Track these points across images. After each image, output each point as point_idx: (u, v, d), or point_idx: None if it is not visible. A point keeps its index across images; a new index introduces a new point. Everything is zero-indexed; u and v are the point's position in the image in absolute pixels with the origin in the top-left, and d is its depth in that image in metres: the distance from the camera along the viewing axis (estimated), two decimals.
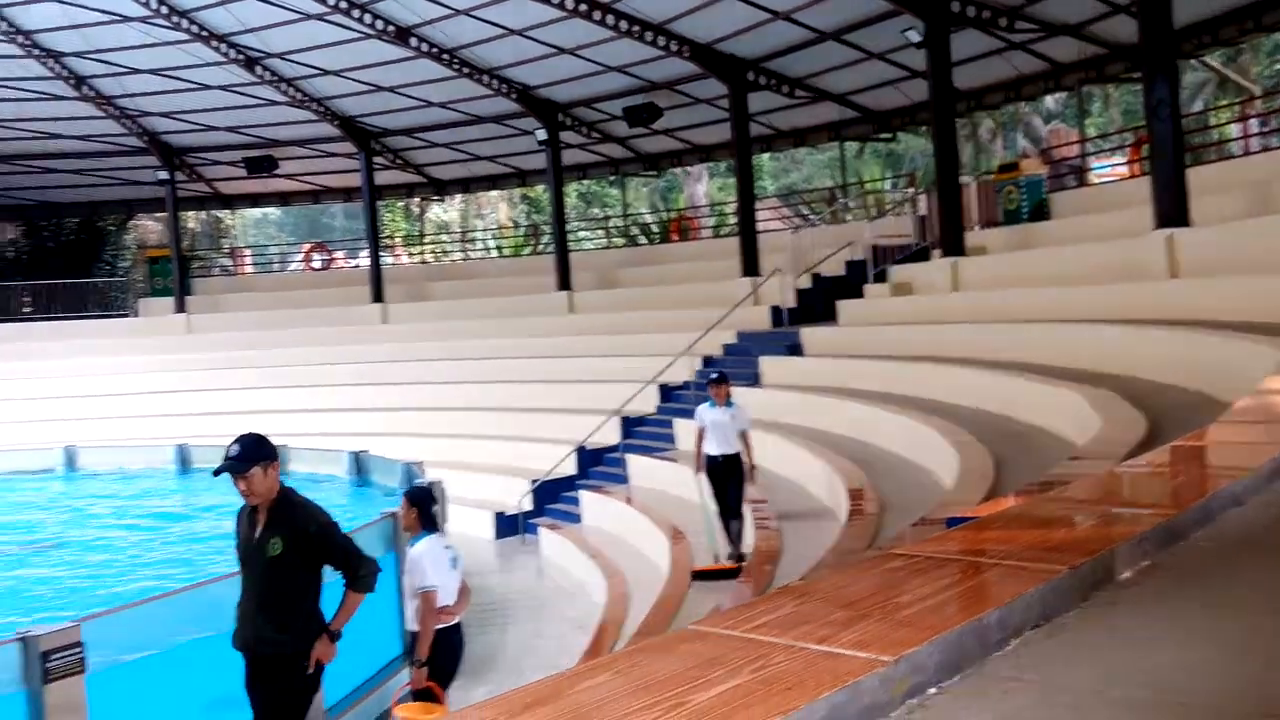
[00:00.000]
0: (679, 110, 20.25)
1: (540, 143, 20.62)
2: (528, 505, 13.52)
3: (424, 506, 6.02)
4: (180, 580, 9.11)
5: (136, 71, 21.00)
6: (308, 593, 4.86)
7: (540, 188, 29.54)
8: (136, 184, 25.73)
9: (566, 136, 21.32)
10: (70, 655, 5.24)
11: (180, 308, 24.12)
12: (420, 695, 5.64)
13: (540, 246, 28.47)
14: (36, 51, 20.26)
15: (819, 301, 16.09)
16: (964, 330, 12.28)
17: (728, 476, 9.40)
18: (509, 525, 13.38)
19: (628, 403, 14.76)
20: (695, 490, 9.68)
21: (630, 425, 14.81)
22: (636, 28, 17.08)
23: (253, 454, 4.81)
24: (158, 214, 29.30)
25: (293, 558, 4.76)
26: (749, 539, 9.11)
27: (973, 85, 17.88)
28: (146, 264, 27.47)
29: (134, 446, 17.59)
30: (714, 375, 9.87)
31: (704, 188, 34.22)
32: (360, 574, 4.88)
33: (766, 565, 7.99)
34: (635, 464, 13.63)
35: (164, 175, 24.13)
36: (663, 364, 15.20)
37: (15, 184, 25.63)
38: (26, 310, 25.69)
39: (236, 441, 4.89)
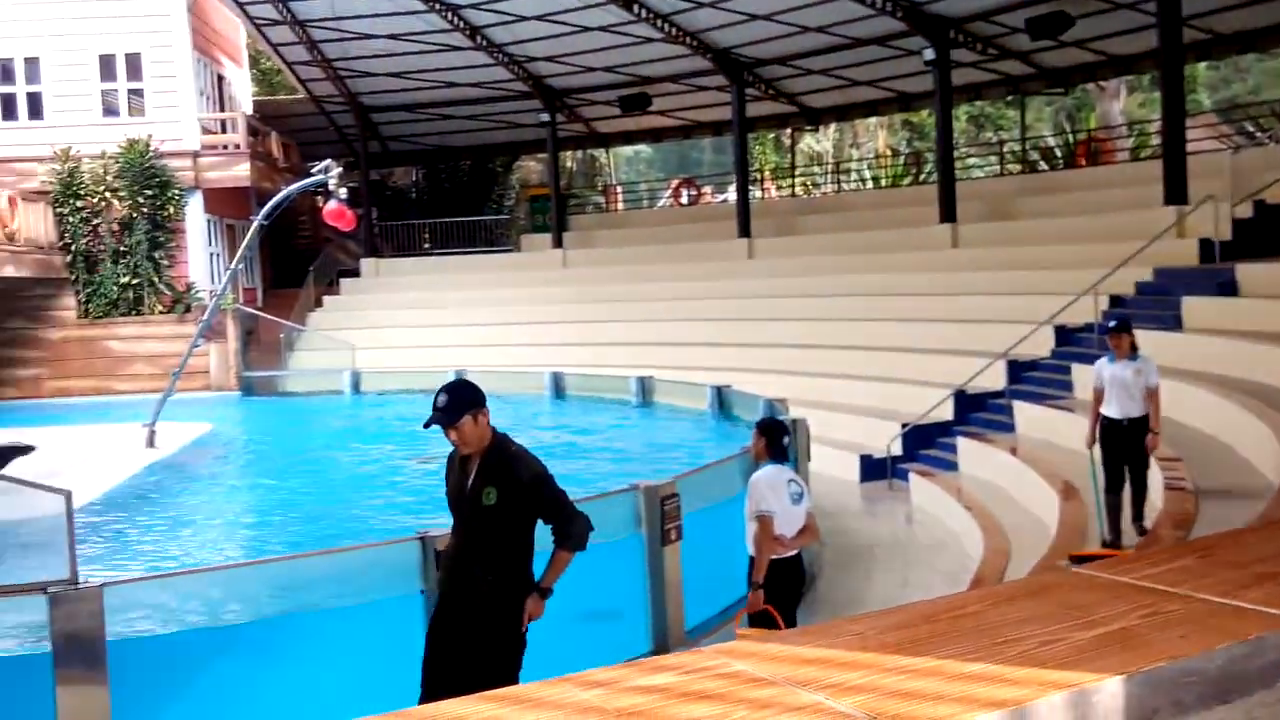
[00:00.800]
0: (1092, 19, 18.62)
1: (927, 63, 19.75)
2: (897, 449, 13.23)
3: (772, 436, 6.27)
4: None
5: (524, 19, 22.56)
6: (521, 545, 4.78)
7: (925, 112, 28.49)
8: (521, 126, 27.81)
9: (957, 55, 20.31)
10: None
11: (557, 243, 25.87)
12: (758, 618, 5.86)
13: (923, 176, 27.55)
14: (438, 6, 22.35)
15: (1263, 234, 14.22)
16: None
17: (1128, 443, 8.25)
18: (876, 469, 13.17)
19: (1017, 345, 13.94)
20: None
21: (1019, 369, 14.00)
22: None
23: (461, 404, 4.71)
24: (539, 154, 31.50)
25: (507, 508, 4.68)
26: (1155, 503, 8.30)
27: None
28: (528, 202, 29.76)
29: (514, 372, 19.19)
30: (1113, 323, 8.68)
31: (1120, 104, 31.39)
32: (571, 531, 4.77)
33: (1177, 531, 7.25)
34: (1023, 411, 12.89)
35: (545, 117, 25.85)
36: (1060, 303, 14.18)
37: (418, 131, 28.60)
38: (426, 246, 28.79)
39: (444, 390, 4.83)
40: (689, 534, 7.23)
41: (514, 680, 4.62)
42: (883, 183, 30.19)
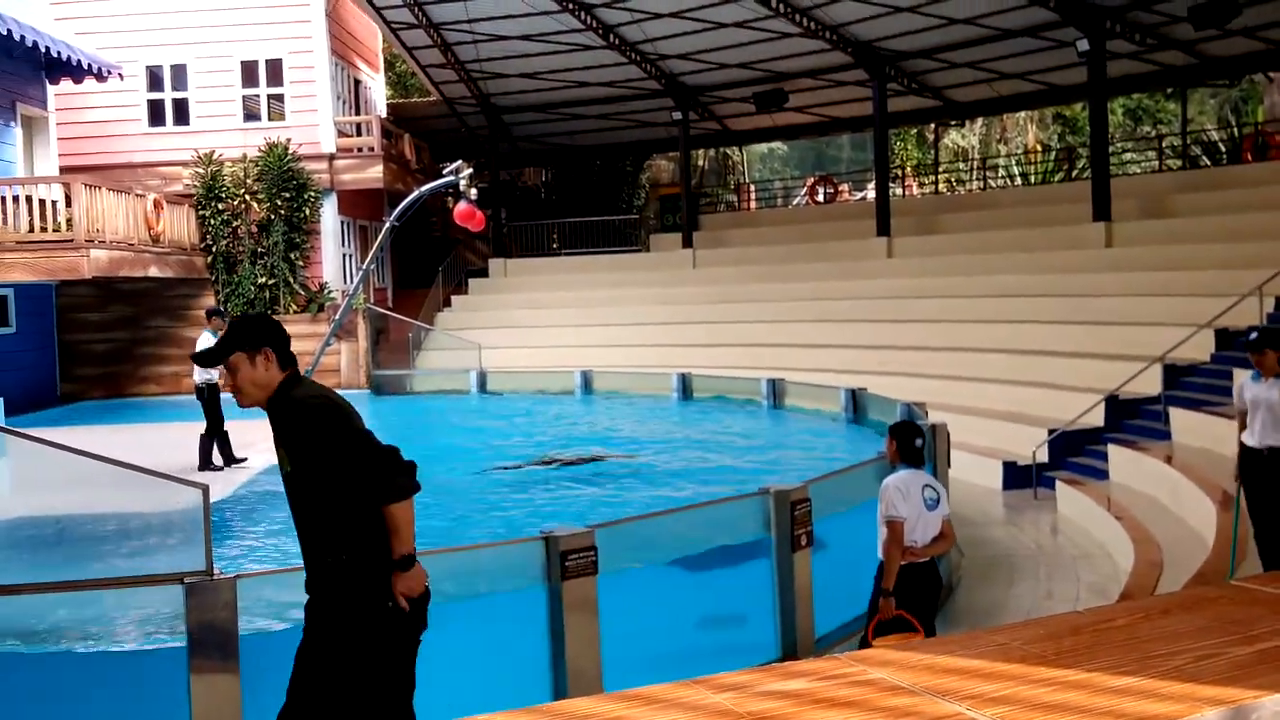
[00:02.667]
0: (1260, 5, 17.72)
1: (1081, 54, 19.14)
2: (1043, 457, 12.81)
3: (903, 439, 6.19)
4: (682, 500, 9.95)
5: (658, 16, 22.70)
6: (361, 513, 3.82)
7: (1078, 106, 27.61)
8: (652, 125, 27.96)
9: (1114, 45, 19.59)
10: (584, 557, 5.86)
11: (687, 243, 25.90)
12: (889, 625, 5.78)
13: (1075, 172, 26.66)
14: (572, 5, 22.68)
15: None
16: None
17: (1270, 478, 7.25)
18: (1020, 477, 12.78)
19: (1175, 348, 13.35)
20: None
21: (1176, 374, 13.41)
22: None
23: (232, 339, 3.99)
24: (670, 153, 31.65)
25: (307, 474, 3.83)
26: None
27: None
28: (659, 201, 29.90)
29: (642, 373, 19.30)
30: (1254, 335, 7.58)
31: None
32: (386, 480, 3.79)
33: None
34: (1180, 418, 12.33)
35: (678, 115, 25.93)
36: (1222, 305, 13.53)
37: (549, 131, 29.03)
38: (554, 246, 29.22)
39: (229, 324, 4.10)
40: (821, 540, 7.13)
41: (402, 685, 3.95)
42: (1032, 179, 29.38)
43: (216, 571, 5.12)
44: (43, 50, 18.25)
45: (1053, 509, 11.78)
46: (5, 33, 16.76)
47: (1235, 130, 27.79)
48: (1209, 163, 24.66)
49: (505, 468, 12.74)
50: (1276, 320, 13.31)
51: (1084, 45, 18.91)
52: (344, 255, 23.74)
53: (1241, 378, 7.60)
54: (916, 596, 5.97)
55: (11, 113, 19.75)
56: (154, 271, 19.80)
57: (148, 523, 8.48)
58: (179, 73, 23.16)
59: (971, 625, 7.53)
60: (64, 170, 20.67)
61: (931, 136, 33.11)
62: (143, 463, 5.43)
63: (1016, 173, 31.02)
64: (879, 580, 5.97)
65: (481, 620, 5.89)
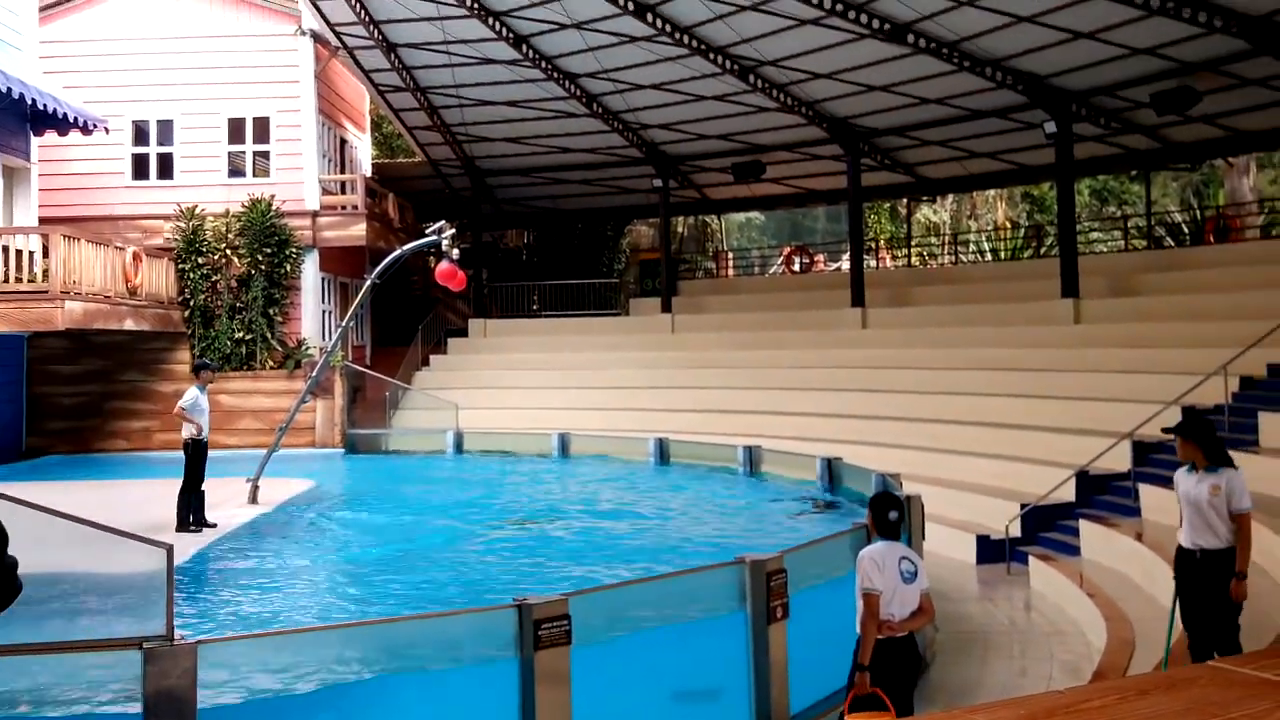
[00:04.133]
0: (1219, 94, 18.08)
1: (1049, 136, 19.43)
2: (1016, 531, 12.69)
3: (878, 511, 6.11)
4: (652, 570, 9.73)
5: (639, 87, 22.95)
6: None
7: (1046, 185, 27.98)
8: (634, 191, 28.13)
9: (1080, 128, 19.91)
10: (558, 626, 5.65)
11: (666, 307, 25.90)
12: (864, 701, 5.65)
13: (1044, 249, 26.91)
14: (556, 74, 22.89)
15: None
16: None
17: (1203, 583, 6.52)
18: (993, 550, 12.65)
19: (1143, 425, 13.33)
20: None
21: (1144, 450, 13.36)
22: (1171, 3, 15.45)
23: None
24: (651, 219, 31.80)
25: None
26: None
27: None
28: (638, 266, 29.94)
29: (619, 437, 19.13)
30: (1180, 422, 6.88)
31: (1250, 180, 30.34)
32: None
33: None
34: (1149, 495, 12.25)
35: (659, 183, 26.09)
36: (1188, 383, 13.56)
37: (531, 194, 29.15)
38: (534, 308, 29.16)
39: None
40: (796, 612, 6.95)
41: None
42: (1002, 255, 29.66)
43: (178, 636, 4.89)
44: (29, 102, 18.14)
45: (1026, 584, 11.65)
46: None
47: (1198, 212, 28.22)
48: (1173, 243, 24.97)
49: (477, 531, 12.47)
50: (1244, 398, 13.34)
51: (1051, 127, 19.21)
52: (324, 312, 23.57)
53: (1179, 470, 6.90)
54: (893, 672, 5.82)
55: None
56: (130, 324, 19.53)
57: (109, 584, 8.19)
58: (165, 128, 23.11)
59: (946, 703, 7.35)
60: (44, 221, 20.45)
61: (904, 210, 33.44)
62: (106, 521, 5.20)
63: (987, 248, 31.31)
64: (857, 654, 5.80)
65: (450, 690, 5.66)
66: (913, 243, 31.64)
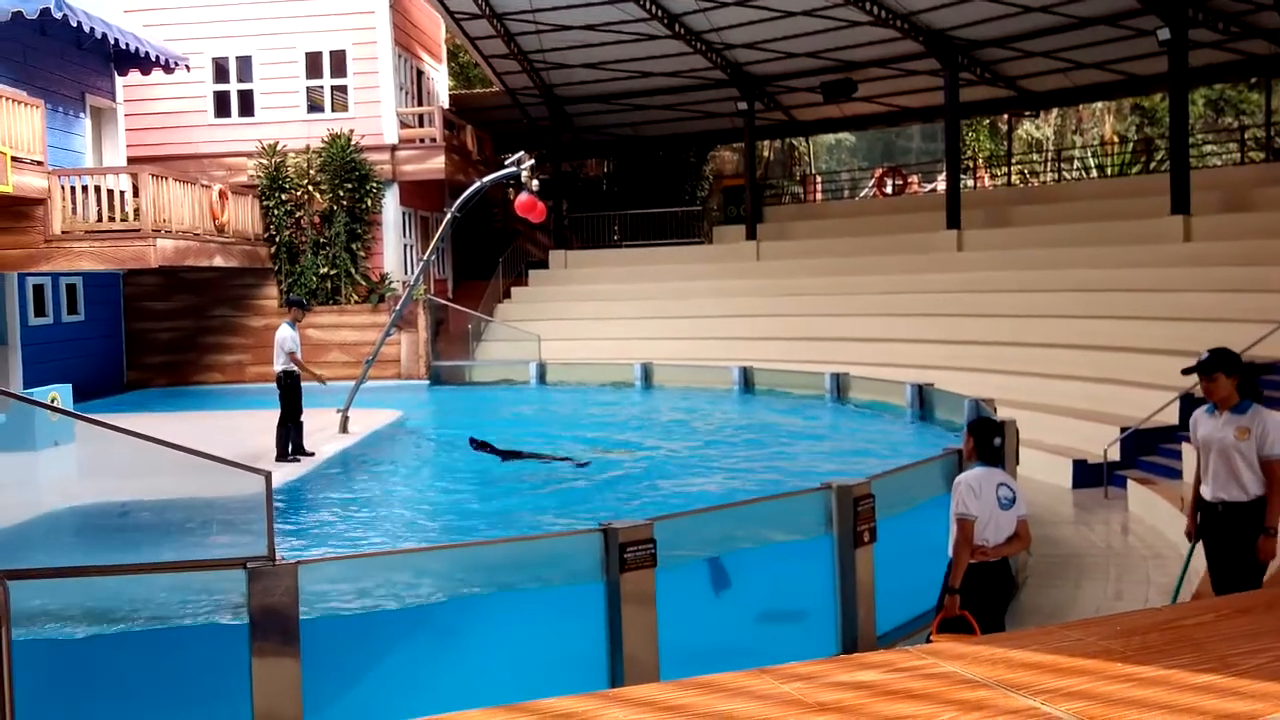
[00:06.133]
0: None
1: (1162, 43, 18.75)
2: (1114, 455, 12.58)
3: (981, 436, 6.10)
4: (738, 494, 9.94)
5: (724, 4, 22.64)
6: None
7: (1157, 96, 27.05)
8: (717, 115, 27.89)
9: (1196, 34, 19.16)
10: (643, 550, 5.87)
11: (751, 235, 25.78)
12: (952, 624, 5.74)
13: (1154, 164, 26.12)
14: None
15: None
16: None
17: (1226, 540, 6.00)
18: (1090, 475, 12.56)
19: (1255, 345, 13.03)
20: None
21: (1256, 372, 13.03)
22: None
23: None
24: (735, 144, 31.52)
25: None
26: None
27: None
28: (722, 193, 29.78)
29: (703, 366, 19.26)
30: (1205, 356, 6.06)
31: None
32: None
33: None
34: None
35: (743, 106, 25.82)
36: None
37: (611, 121, 29.09)
38: (615, 238, 29.26)
39: None
40: (884, 537, 7.07)
41: None
42: (1109, 172, 28.85)
43: (278, 557, 5.21)
44: (111, 42, 18.65)
45: (1123, 508, 11.58)
46: (75, 25, 17.14)
47: None
48: None
49: (558, 459, 12.77)
50: None
51: (1165, 34, 18.53)
52: (405, 246, 23.98)
53: (1198, 411, 6.32)
54: (984, 597, 5.90)
55: (81, 104, 20.23)
56: (218, 261, 20.17)
57: (211, 508, 8.65)
58: (244, 64, 23.53)
59: (1039, 625, 7.40)
60: (131, 160, 21.14)
61: (1005, 127, 32.64)
62: (207, 450, 5.53)
63: (1093, 164, 30.49)
64: (948, 578, 5.91)
65: (538, 611, 5.93)
66: (1013, 160, 30.93)
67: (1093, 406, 14.37)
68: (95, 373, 20.87)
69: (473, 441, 12.98)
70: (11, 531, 9.34)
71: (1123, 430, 12.76)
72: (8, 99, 15.74)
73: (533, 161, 15.82)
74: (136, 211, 17.44)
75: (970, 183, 29.99)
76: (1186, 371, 6.27)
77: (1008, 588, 6.32)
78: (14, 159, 15.53)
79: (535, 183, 15.78)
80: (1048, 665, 1.97)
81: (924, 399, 14.03)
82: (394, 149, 23.27)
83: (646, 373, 19.69)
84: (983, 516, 5.83)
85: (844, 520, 6.97)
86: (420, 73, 25.96)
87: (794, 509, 7.22)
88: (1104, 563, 9.50)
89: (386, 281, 22.80)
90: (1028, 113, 29.75)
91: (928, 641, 5.87)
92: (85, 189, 17.56)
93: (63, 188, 17.17)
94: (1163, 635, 1.96)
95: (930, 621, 6.09)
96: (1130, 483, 11.87)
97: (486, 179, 16.66)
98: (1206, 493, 6.07)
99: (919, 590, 7.09)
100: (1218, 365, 5.96)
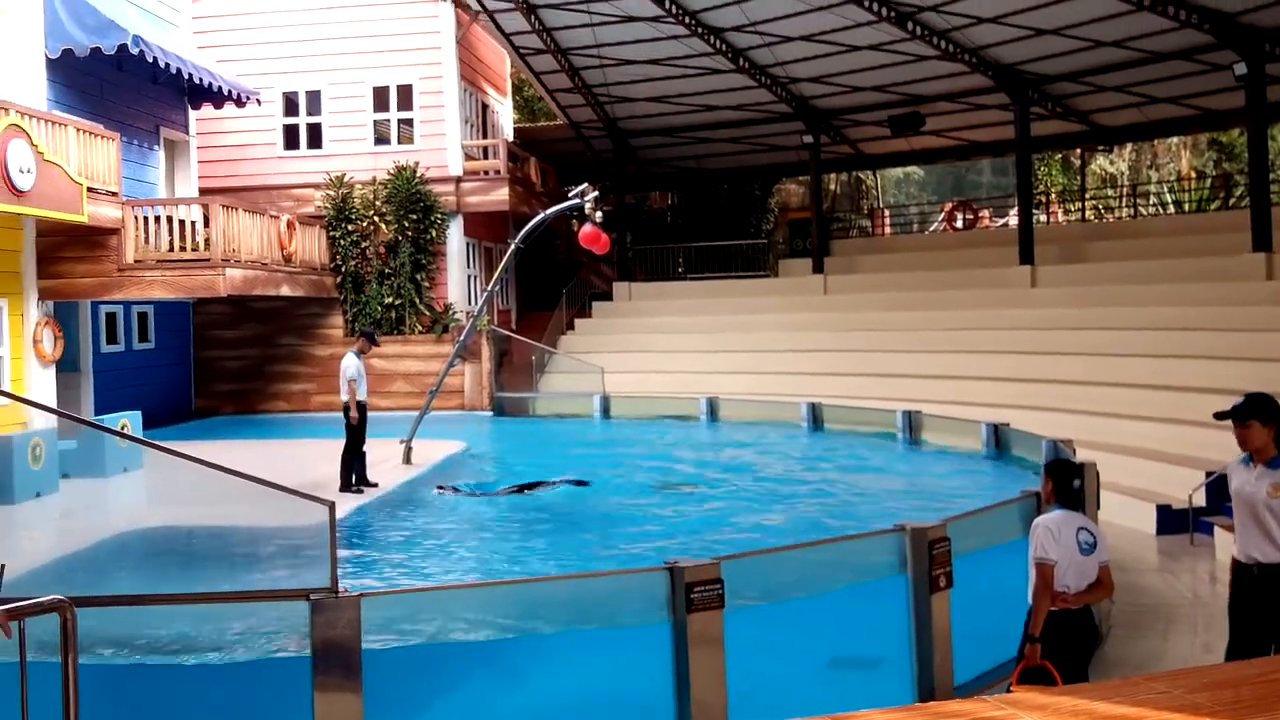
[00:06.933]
0: None
1: (1238, 78, 18.44)
2: (1200, 500, 12.20)
3: (1059, 478, 5.94)
4: (804, 536, 9.76)
5: (788, 40, 22.67)
6: None
7: (1235, 131, 26.55)
8: (782, 148, 27.86)
9: (1273, 68, 18.80)
10: (710, 590, 5.74)
11: (818, 268, 25.65)
12: (1033, 674, 5.57)
13: (1233, 200, 25.58)
14: (700, 29, 22.82)
15: None
16: None
17: (1257, 605, 5.64)
18: (1175, 521, 12.18)
19: None
20: None
21: None
22: None
23: None
24: (801, 177, 31.46)
25: None
26: None
27: None
28: (787, 226, 29.69)
29: (768, 401, 19.10)
30: (1239, 402, 5.69)
31: None
32: None
33: None
34: None
35: (809, 139, 25.77)
36: None
37: (675, 154, 29.21)
38: (680, 270, 29.28)
39: None
40: (961, 581, 6.87)
41: None
42: (1186, 207, 28.31)
43: (341, 589, 5.17)
44: (186, 77, 19.11)
45: (1210, 556, 11.20)
46: (151, 60, 17.60)
47: None
48: None
49: (629, 493, 12.69)
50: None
51: (1241, 69, 18.24)
52: (469, 276, 24.19)
53: (1233, 460, 5.86)
54: (1066, 646, 5.71)
55: (155, 136, 20.73)
56: (285, 290, 20.47)
57: (275, 538, 8.70)
58: (313, 98, 24.00)
59: (1124, 677, 7.16)
60: (203, 191, 21.61)
61: (1077, 161, 32.20)
62: (271, 478, 5.53)
63: (1169, 200, 29.95)
64: (1028, 625, 5.73)
65: (603, 650, 5.82)
66: (1087, 195, 30.49)
67: (1175, 449, 13.98)
68: (164, 400, 21.25)
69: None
70: (81, 556, 9.47)
71: (1207, 474, 12.39)
72: (85, 132, 16.17)
73: (596, 193, 15.88)
74: (207, 241, 17.78)
75: (1043, 218, 29.63)
76: (1219, 416, 5.89)
77: (1091, 637, 6.11)
78: (90, 190, 15.92)
79: (599, 214, 15.84)
80: (1131, 718, 1.86)
81: (1000, 439, 13.76)
82: (459, 181, 23.54)
83: (712, 407, 19.59)
84: (1063, 561, 5.67)
85: (919, 563, 6.79)
86: (485, 106, 26.29)
87: (867, 551, 7.06)
88: (1191, 613, 9.18)
89: (450, 312, 23.00)
90: (1101, 147, 29.32)
91: (1008, 691, 5.69)
92: (158, 219, 17.95)
93: (136, 218, 17.57)
94: (1254, 690, 1.86)
95: (1010, 671, 5.91)
96: (1217, 529, 11.48)
97: (550, 210, 16.76)
98: (1238, 551, 5.70)
99: (998, 638, 6.87)
100: (1253, 412, 5.60)
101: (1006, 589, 6.35)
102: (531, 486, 12.96)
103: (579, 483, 13.37)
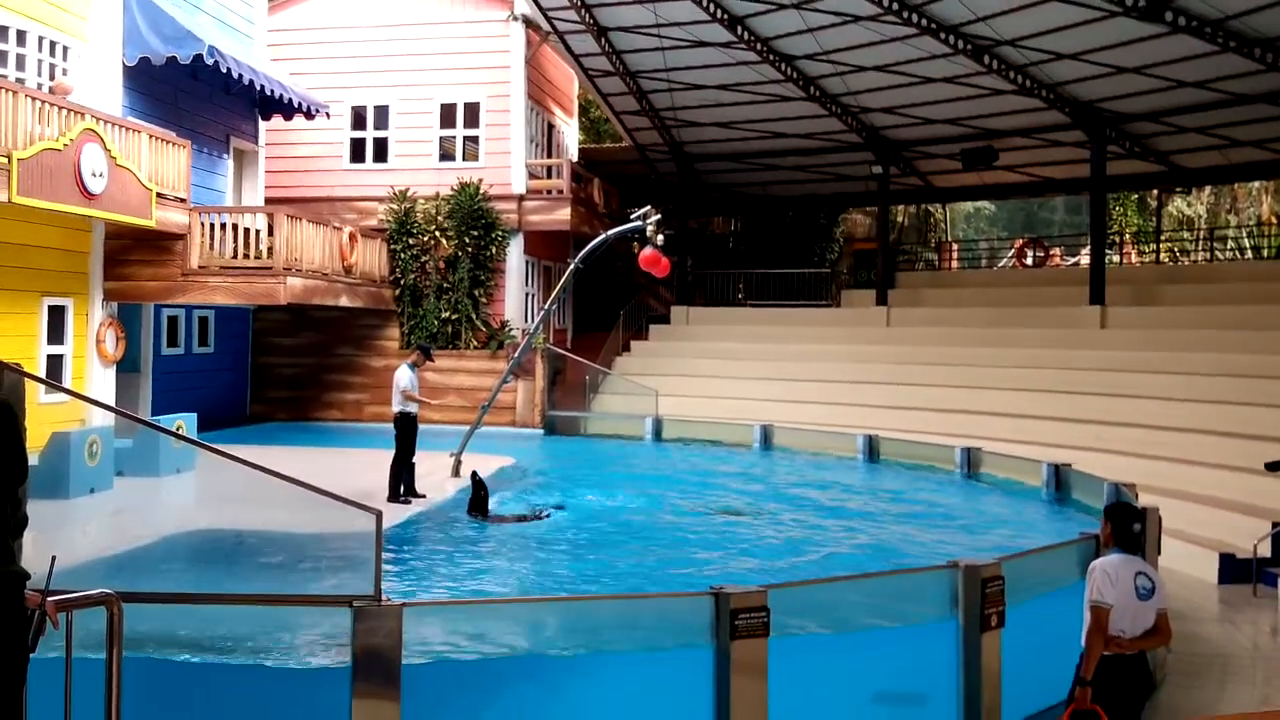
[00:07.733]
0: None
1: None
2: (1265, 550, 11.89)
3: (1119, 521, 5.91)
4: (857, 567, 9.67)
5: (861, 70, 22.65)
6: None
7: None
8: (850, 178, 27.75)
9: None
10: (755, 617, 5.71)
11: (881, 300, 25.46)
12: (1083, 717, 5.53)
13: None
14: (772, 57, 22.89)
15: None
16: None
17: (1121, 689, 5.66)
18: (1238, 570, 11.88)
19: None
20: None
21: None
22: None
23: None
24: (868, 208, 31.28)
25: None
26: None
27: None
28: (852, 256, 29.51)
29: (825, 432, 18.93)
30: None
31: None
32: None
33: None
34: None
35: (878, 170, 25.64)
36: None
37: (740, 180, 29.20)
38: (740, 296, 29.20)
39: None
40: (1013, 622, 6.76)
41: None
42: (1265, 253, 27.72)
43: (385, 598, 5.21)
44: (258, 88, 19.50)
45: (1273, 608, 10.91)
46: (225, 71, 18.00)
47: None
48: None
49: (678, 517, 12.66)
50: None
51: None
52: (526, 294, 24.33)
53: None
54: (1118, 691, 5.63)
55: (225, 145, 21.17)
56: (344, 301, 20.75)
57: (321, 544, 8.80)
58: (381, 113, 24.37)
59: None
60: (269, 201, 22.01)
61: (1154, 203, 31.73)
62: (321, 485, 5.60)
63: (1248, 245, 29.35)
64: (1080, 668, 5.64)
65: (645, 671, 5.81)
66: (1162, 237, 29.99)
67: (1241, 498, 13.65)
68: (220, 404, 21.59)
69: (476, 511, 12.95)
70: (132, 553, 9.64)
71: (1274, 525, 12.09)
72: (158, 139, 16.58)
73: (659, 216, 15.93)
74: (270, 250, 18.09)
75: (1116, 258, 29.17)
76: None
77: (1145, 684, 6.00)
78: (159, 195, 16.29)
79: (661, 237, 15.88)
80: None
81: (1060, 479, 13.54)
82: (521, 199, 23.73)
83: (766, 435, 19.47)
84: (1119, 605, 5.61)
85: (970, 601, 6.70)
86: (551, 125, 26.50)
87: (918, 586, 6.98)
88: (1250, 665, 8.95)
89: (506, 328, 23.14)
90: (1179, 189, 28.87)
91: None
92: (223, 226, 18.31)
93: (202, 224, 17.94)
94: None
95: (1060, 714, 5.80)
96: None
97: (611, 231, 16.82)
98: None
99: (1049, 681, 6.75)
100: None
101: (1061, 632, 6.24)
102: (524, 518, 12.80)
103: (558, 508, 13.25)
